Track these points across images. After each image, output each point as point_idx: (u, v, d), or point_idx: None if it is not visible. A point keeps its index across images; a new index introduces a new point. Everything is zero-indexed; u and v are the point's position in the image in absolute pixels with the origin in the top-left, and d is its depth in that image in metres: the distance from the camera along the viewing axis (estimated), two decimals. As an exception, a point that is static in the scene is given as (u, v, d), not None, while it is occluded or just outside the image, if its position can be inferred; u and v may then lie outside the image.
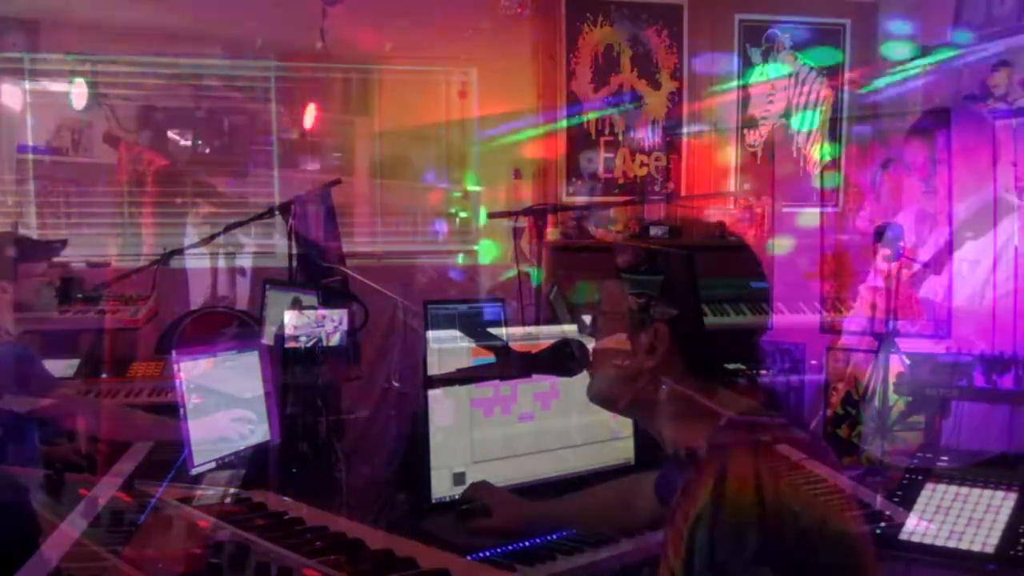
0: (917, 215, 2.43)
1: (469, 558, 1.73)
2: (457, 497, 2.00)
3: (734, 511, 1.18)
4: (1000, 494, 1.68)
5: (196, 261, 4.08)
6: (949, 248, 2.31)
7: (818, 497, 1.28)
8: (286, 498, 1.75)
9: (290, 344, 2.34)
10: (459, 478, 2.07)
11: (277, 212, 3.23)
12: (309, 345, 2.34)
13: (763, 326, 1.69)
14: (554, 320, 2.42)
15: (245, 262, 4.23)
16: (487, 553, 1.79)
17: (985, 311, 2.19)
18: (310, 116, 4.31)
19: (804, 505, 1.22)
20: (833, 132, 4.81)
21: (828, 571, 1.20)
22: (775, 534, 1.16)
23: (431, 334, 2.18)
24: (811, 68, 4.75)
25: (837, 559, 1.21)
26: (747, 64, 4.70)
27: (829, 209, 4.87)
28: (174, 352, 2.11)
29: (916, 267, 2.26)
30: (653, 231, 4.48)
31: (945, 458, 1.84)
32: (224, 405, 2.16)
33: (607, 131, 4.60)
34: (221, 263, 4.18)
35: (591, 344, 1.61)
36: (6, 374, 2.32)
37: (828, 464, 1.34)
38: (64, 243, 3.43)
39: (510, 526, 1.83)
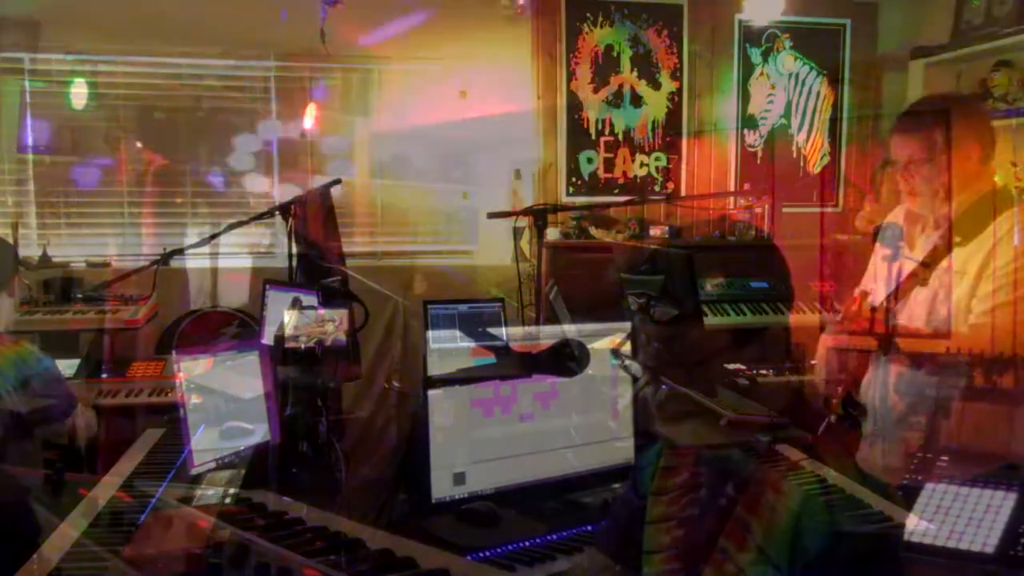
0: (906, 216, 2.27)
1: (469, 558, 1.73)
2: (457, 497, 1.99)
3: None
4: (1000, 494, 1.68)
5: (196, 261, 4.08)
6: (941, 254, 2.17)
7: None
8: (286, 498, 1.75)
9: (290, 344, 2.34)
10: (459, 478, 2.07)
11: (277, 212, 3.23)
12: (309, 345, 2.34)
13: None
14: (554, 320, 2.42)
15: (244, 262, 4.24)
16: (487, 553, 1.79)
17: (969, 326, 1.98)
18: (310, 116, 4.31)
19: None
20: (833, 132, 4.81)
21: None
22: None
23: (431, 334, 2.18)
24: (811, 68, 4.75)
25: None
26: (747, 64, 4.70)
27: (829, 209, 4.88)
28: (174, 352, 2.11)
29: (917, 268, 2.25)
30: (653, 231, 4.49)
31: (945, 458, 1.84)
32: (224, 405, 2.16)
33: (607, 131, 4.60)
34: (221, 263, 4.18)
35: None
36: (27, 386, 2.31)
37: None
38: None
39: None
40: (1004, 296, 1.94)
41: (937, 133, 2.10)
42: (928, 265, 2.08)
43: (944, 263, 2.05)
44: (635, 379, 1.64)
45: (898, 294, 2.08)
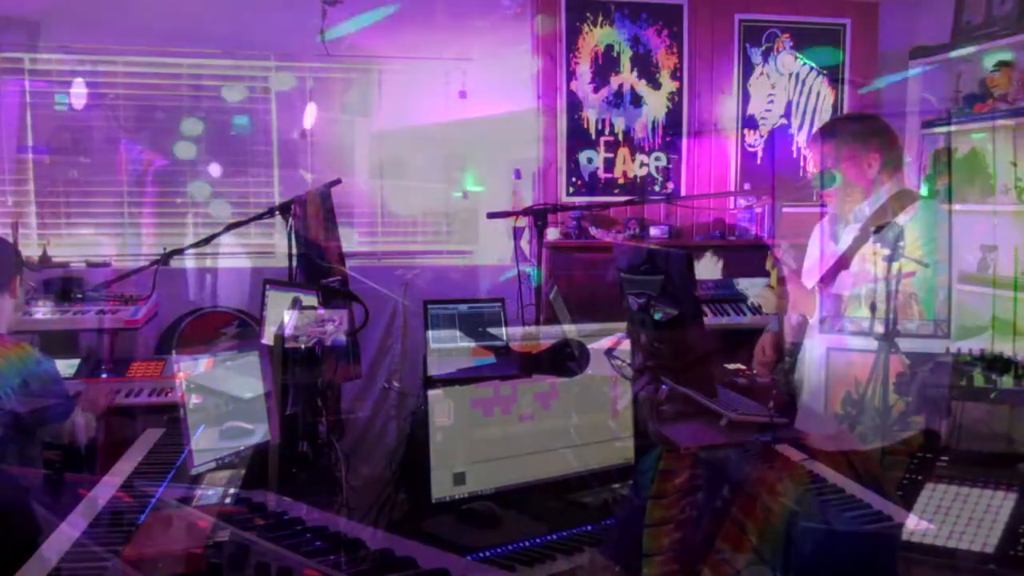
0: (829, 219, 2.67)
1: (469, 558, 1.73)
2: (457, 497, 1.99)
3: None
4: (1000, 494, 1.68)
5: (196, 261, 4.08)
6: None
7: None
8: (286, 498, 1.75)
9: (290, 344, 2.34)
10: (459, 478, 2.07)
11: (277, 212, 3.23)
12: (309, 345, 2.34)
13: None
14: (554, 320, 2.43)
15: (244, 262, 4.24)
16: (487, 553, 1.79)
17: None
18: (310, 116, 4.30)
19: None
20: (833, 132, 4.81)
21: None
22: None
23: (431, 334, 2.18)
24: (811, 68, 4.75)
25: None
26: (747, 64, 4.70)
27: (829, 209, 4.87)
28: (174, 352, 2.11)
29: (916, 268, 2.26)
30: (653, 231, 4.49)
31: (945, 458, 1.84)
32: (224, 405, 2.16)
33: (607, 131, 4.60)
34: (221, 263, 4.18)
35: None
36: (27, 387, 2.31)
37: None
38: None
39: None
40: (907, 268, 2.22)
41: (835, 147, 2.51)
42: (850, 255, 2.42)
43: (863, 250, 2.41)
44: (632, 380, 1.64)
45: (826, 279, 2.41)
